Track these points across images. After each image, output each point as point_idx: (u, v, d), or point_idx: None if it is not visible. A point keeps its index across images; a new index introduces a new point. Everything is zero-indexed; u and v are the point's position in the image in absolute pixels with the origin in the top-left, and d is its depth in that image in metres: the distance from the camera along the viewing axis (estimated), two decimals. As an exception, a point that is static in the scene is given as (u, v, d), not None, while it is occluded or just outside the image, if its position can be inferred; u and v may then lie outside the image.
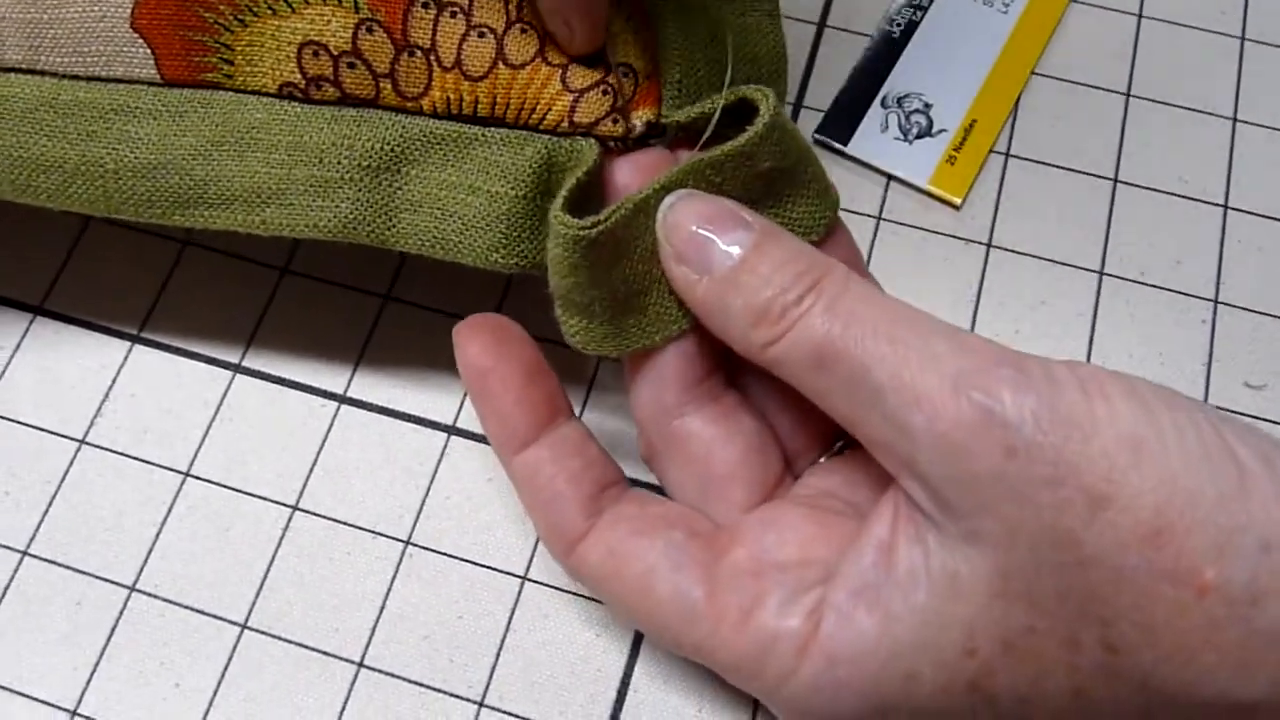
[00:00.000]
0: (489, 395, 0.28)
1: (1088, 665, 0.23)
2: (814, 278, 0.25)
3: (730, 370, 0.29)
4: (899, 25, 0.39)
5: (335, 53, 0.28)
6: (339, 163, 0.29)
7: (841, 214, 0.36)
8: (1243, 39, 0.40)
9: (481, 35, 0.28)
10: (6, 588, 0.32)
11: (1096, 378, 0.23)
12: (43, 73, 0.29)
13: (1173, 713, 0.23)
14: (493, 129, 0.29)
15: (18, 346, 0.35)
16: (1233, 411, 0.34)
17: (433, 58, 0.28)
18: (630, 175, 0.29)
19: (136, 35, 0.29)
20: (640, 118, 0.29)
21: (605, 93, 0.28)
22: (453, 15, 0.28)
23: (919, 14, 0.40)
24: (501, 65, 0.28)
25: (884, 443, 0.24)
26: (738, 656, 0.26)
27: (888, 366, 0.24)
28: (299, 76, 0.29)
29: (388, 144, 0.29)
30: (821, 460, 0.29)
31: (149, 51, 0.29)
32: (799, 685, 0.25)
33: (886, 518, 0.25)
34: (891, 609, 0.24)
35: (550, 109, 0.28)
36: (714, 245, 0.26)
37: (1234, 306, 0.35)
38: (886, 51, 0.39)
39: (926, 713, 0.24)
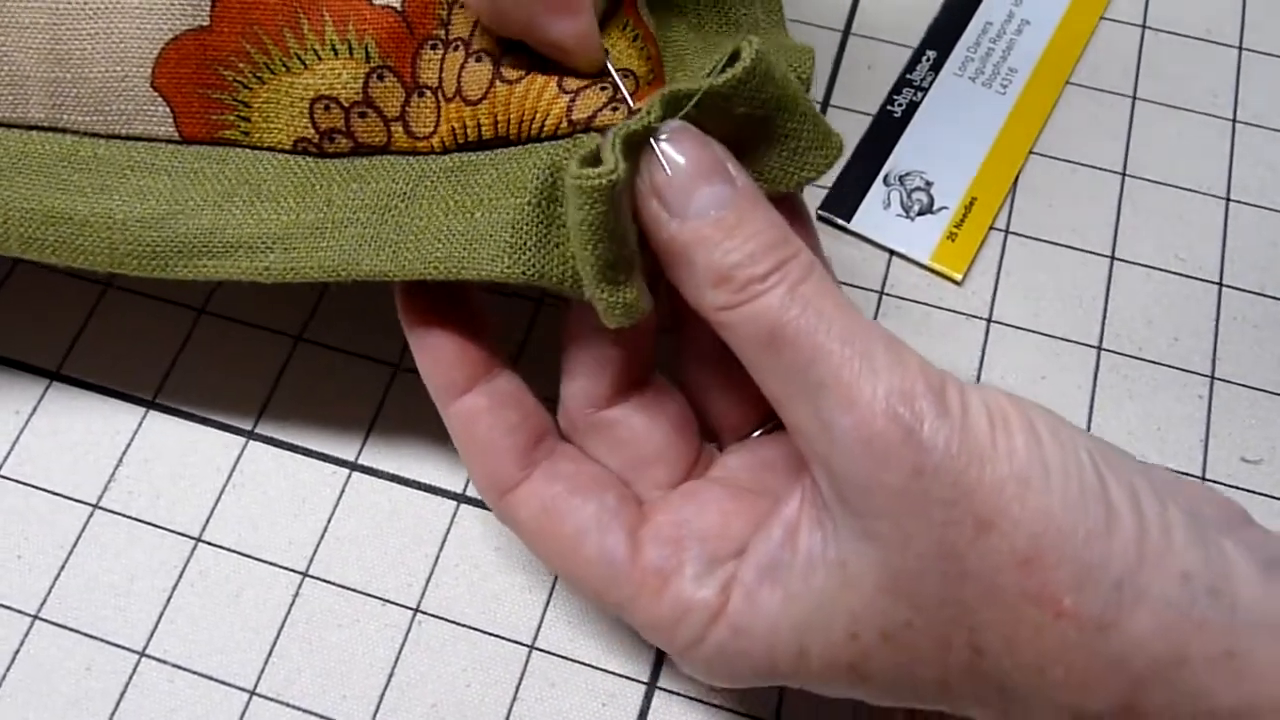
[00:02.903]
0: (428, 342, 0.29)
1: (955, 663, 0.25)
2: (782, 256, 0.26)
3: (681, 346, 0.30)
4: (900, 105, 0.41)
5: (346, 104, 0.29)
6: (346, 205, 0.29)
7: (845, 287, 0.37)
8: (1234, 121, 0.41)
9: (479, 60, 0.29)
10: (17, 652, 0.32)
11: (1002, 408, 0.25)
12: (64, 130, 0.30)
13: (1025, 716, 0.25)
14: (499, 151, 0.29)
15: (34, 410, 0.36)
16: (1229, 486, 0.35)
17: (440, 94, 0.29)
18: None
19: (156, 94, 0.30)
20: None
21: (603, 89, 0.28)
22: (455, 49, 0.29)
23: (920, 94, 0.41)
24: (498, 84, 0.29)
25: (806, 432, 0.25)
26: (654, 620, 0.27)
27: (832, 364, 0.25)
28: (312, 131, 0.29)
29: (397, 184, 0.29)
30: (749, 439, 0.30)
31: (168, 110, 0.30)
32: (706, 650, 0.27)
33: (795, 501, 0.27)
34: (791, 589, 0.26)
35: (549, 114, 0.28)
36: (694, 191, 0.26)
37: (1230, 382, 0.36)
38: (888, 131, 0.40)
39: (811, 685, 0.27)
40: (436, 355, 0.29)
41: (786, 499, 0.27)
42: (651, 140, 0.26)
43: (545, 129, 0.28)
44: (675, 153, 0.26)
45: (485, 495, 0.30)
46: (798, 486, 0.27)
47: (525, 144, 0.29)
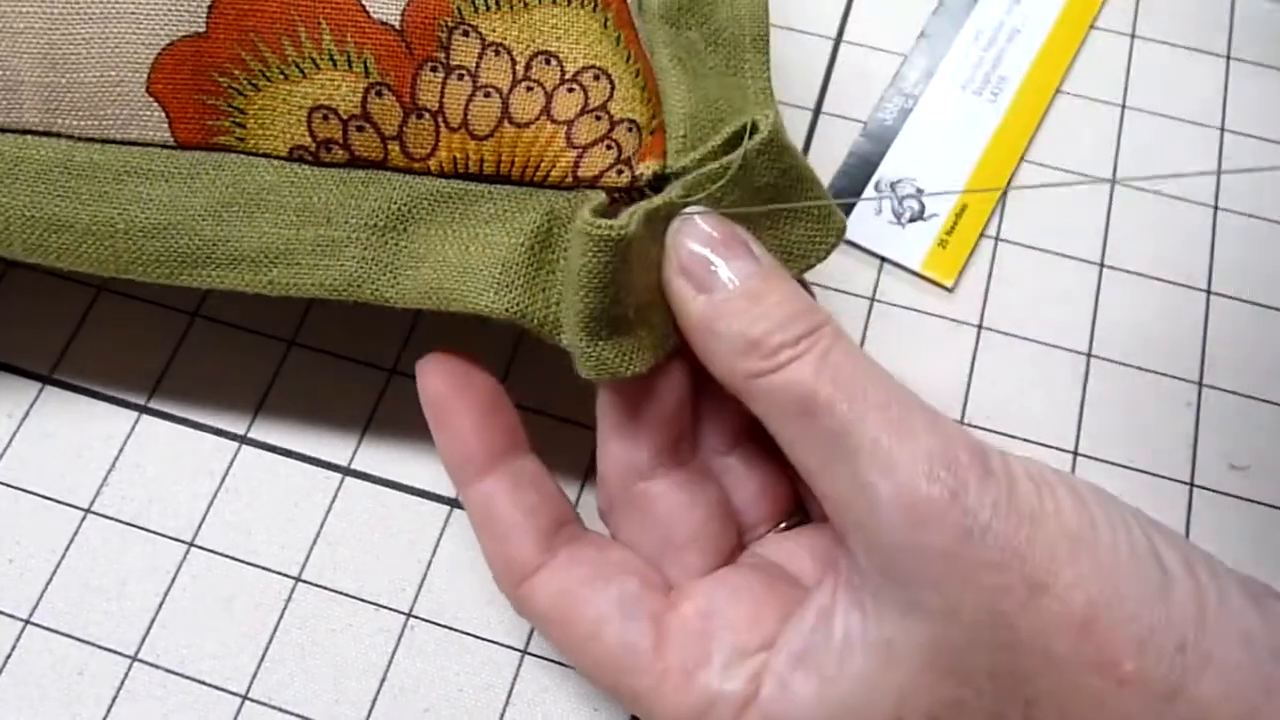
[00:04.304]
0: (448, 422, 0.29)
1: None
2: (811, 324, 0.26)
3: (697, 434, 0.30)
4: (892, 113, 0.41)
5: (345, 116, 0.29)
6: (346, 222, 0.29)
7: (835, 294, 0.38)
8: (1222, 129, 0.41)
9: (487, 95, 0.29)
10: (8, 656, 0.32)
11: (1045, 475, 0.25)
12: (59, 135, 0.30)
13: None
14: (498, 186, 0.29)
15: (26, 414, 0.36)
16: (1218, 492, 0.35)
17: (440, 119, 0.29)
18: None
19: (152, 99, 0.30)
20: (647, 168, 0.29)
21: (609, 147, 0.29)
22: (460, 78, 0.29)
23: (911, 102, 0.41)
24: (507, 124, 0.29)
25: (844, 501, 0.25)
26: (676, 714, 0.26)
27: (869, 430, 0.24)
28: (309, 139, 0.29)
29: (394, 203, 0.29)
30: (770, 534, 0.30)
31: (163, 115, 0.30)
32: None
33: (829, 585, 0.26)
34: (827, 674, 0.25)
35: (555, 165, 0.29)
36: (719, 269, 0.27)
37: (1218, 389, 0.36)
38: (880, 138, 0.40)
39: None
40: (456, 433, 0.29)
41: (819, 586, 0.26)
42: (677, 220, 0.27)
43: (550, 178, 0.29)
44: (695, 232, 0.27)
45: (503, 583, 0.29)
46: (830, 572, 0.26)
47: (526, 186, 0.29)
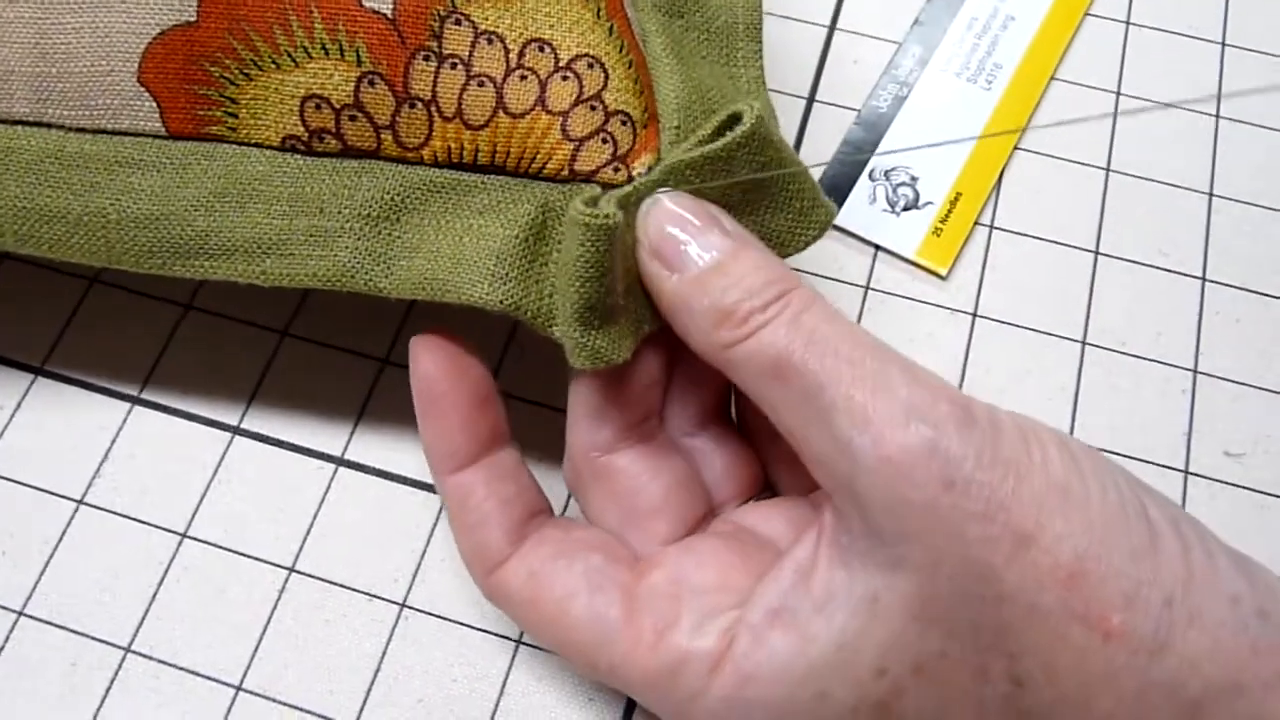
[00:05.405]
0: (436, 413, 0.29)
1: (993, 696, 0.24)
2: (782, 289, 0.26)
3: (665, 415, 0.30)
4: (886, 100, 0.41)
5: (337, 106, 0.29)
6: (339, 212, 0.29)
7: (830, 282, 0.38)
8: (1217, 116, 0.41)
9: (481, 84, 0.29)
10: (1, 648, 0.32)
11: (1034, 427, 0.24)
12: (49, 125, 0.30)
13: None
14: (492, 176, 0.29)
15: (18, 406, 0.36)
16: (1213, 480, 0.35)
17: (433, 108, 0.29)
18: None
19: (143, 89, 0.29)
20: (642, 164, 0.29)
21: (605, 141, 0.29)
22: (453, 67, 0.29)
23: (905, 89, 0.41)
24: (502, 114, 0.29)
25: (826, 459, 0.25)
26: (650, 675, 0.26)
27: (842, 386, 0.24)
28: (301, 129, 0.29)
29: (388, 193, 0.29)
30: (741, 505, 0.30)
31: (155, 105, 0.30)
32: (710, 703, 0.26)
33: (809, 543, 0.26)
34: (808, 630, 0.25)
35: (550, 158, 0.29)
36: (689, 246, 0.27)
37: (1213, 376, 0.36)
38: (874, 126, 0.40)
39: None
40: (443, 426, 0.29)
41: (797, 545, 0.26)
42: (646, 203, 0.27)
43: (545, 170, 0.29)
44: (664, 214, 0.27)
45: (474, 571, 0.29)
46: (810, 531, 0.26)
47: (520, 177, 0.29)
